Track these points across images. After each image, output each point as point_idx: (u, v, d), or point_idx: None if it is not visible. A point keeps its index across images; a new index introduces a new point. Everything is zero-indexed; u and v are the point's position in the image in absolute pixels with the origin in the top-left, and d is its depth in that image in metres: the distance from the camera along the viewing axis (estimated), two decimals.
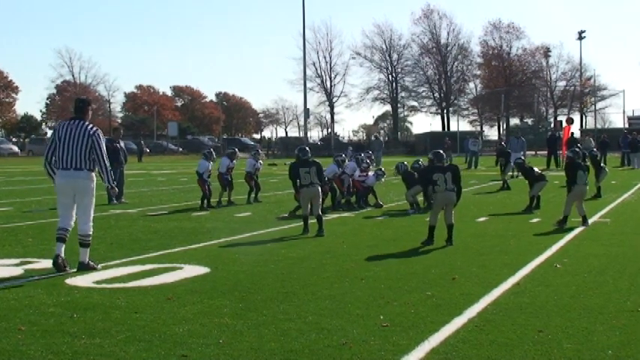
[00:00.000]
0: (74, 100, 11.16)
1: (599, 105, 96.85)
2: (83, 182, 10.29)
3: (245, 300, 8.40)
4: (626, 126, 72.84)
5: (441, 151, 13.89)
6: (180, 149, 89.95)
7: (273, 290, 8.92)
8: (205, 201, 19.70)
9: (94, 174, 10.45)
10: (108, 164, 10.51)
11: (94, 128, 10.45)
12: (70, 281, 9.52)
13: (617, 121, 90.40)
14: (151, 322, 7.36)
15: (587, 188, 15.65)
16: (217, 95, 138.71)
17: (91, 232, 10.42)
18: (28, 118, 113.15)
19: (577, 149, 16.41)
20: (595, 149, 26.83)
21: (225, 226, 15.64)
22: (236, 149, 22.85)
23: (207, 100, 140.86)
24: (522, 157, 21.63)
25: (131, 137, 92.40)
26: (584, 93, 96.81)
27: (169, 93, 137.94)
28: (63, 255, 10.16)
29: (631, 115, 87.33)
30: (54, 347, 6.48)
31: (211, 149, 21.64)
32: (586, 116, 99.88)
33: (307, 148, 15.40)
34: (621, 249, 12.20)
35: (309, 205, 14.65)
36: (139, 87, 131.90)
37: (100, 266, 10.56)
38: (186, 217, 17.69)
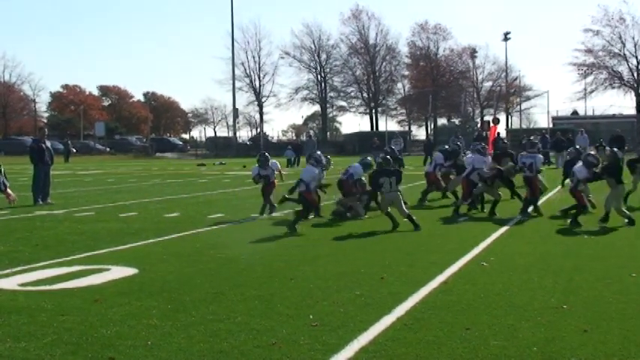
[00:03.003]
0: None
1: (525, 105, 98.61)
2: None
3: (174, 301, 8.34)
4: (551, 126, 74.10)
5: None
6: (108, 149, 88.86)
7: (202, 291, 8.88)
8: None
9: None
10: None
11: None
12: None
13: (542, 122, 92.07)
14: (78, 325, 7.27)
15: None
16: (145, 95, 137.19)
17: None
18: None
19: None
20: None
21: (153, 227, 15.48)
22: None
23: (135, 99, 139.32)
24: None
25: (57, 137, 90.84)
26: (509, 93, 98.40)
27: (96, 93, 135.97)
28: None
29: (555, 115, 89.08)
30: None
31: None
32: (512, 116, 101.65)
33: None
34: (546, 247, 12.42)
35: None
36: (65, 86, 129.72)
37: None
38: (113, 217, 17.46)
